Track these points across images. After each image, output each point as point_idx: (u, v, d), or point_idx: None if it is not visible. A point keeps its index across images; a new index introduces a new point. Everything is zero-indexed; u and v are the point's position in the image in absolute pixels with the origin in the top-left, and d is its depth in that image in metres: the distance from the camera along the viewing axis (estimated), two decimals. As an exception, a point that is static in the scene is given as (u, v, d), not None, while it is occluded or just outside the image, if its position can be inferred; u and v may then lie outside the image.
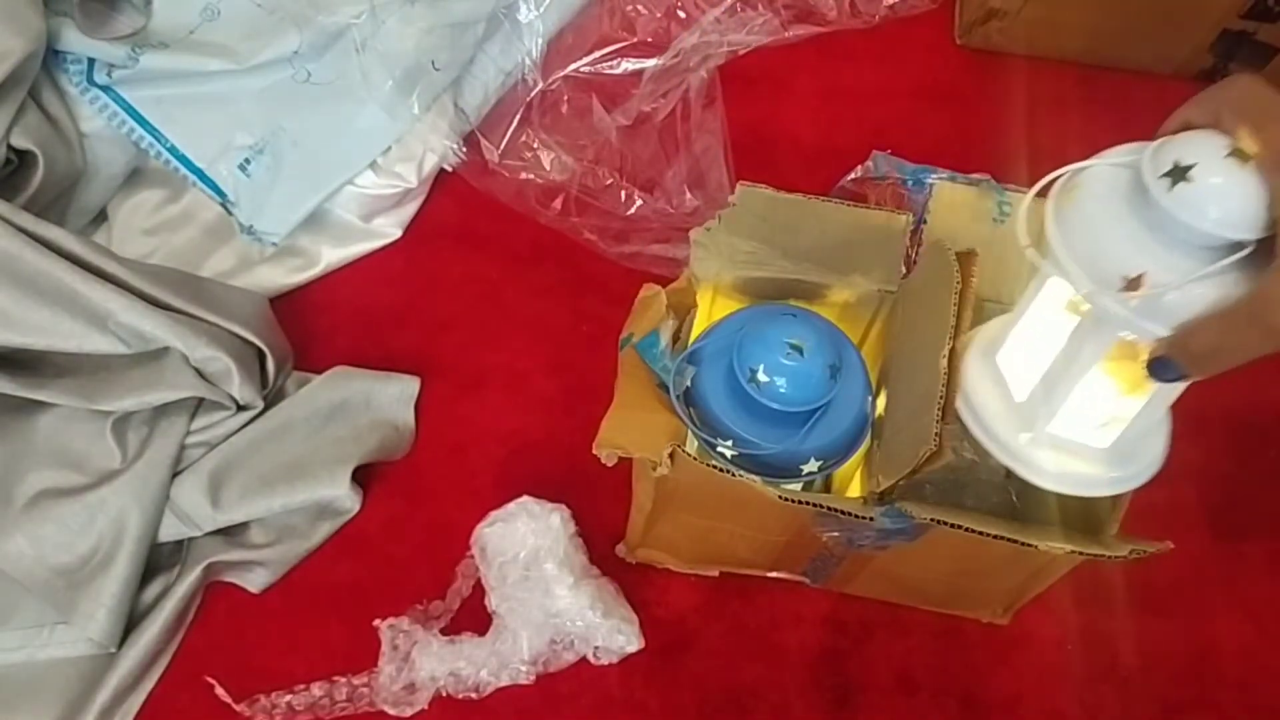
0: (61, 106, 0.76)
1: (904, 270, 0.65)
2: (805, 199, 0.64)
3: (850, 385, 0.60)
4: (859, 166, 0.82)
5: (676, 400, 0.60)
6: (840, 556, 0.65)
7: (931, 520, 0.54)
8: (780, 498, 0.55)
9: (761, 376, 0.57)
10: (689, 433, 0.60)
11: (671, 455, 0.55)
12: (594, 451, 0.55)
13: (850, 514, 0.55)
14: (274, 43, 0.78)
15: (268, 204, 0.79)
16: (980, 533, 0.53)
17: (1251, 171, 0.43)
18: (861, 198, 0.82)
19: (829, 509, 0.55)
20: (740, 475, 0.56)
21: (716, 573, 0.73)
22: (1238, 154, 0.43)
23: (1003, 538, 0.53)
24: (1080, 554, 0.53)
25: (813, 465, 0.59)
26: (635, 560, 0.72)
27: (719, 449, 0.59)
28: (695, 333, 0.65)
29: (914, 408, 0.57)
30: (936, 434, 0.53)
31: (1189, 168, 0.44)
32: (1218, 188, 0.43)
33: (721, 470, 0.55)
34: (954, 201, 0.68)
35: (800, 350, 0.56)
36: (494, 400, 0.79)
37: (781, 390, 0.56)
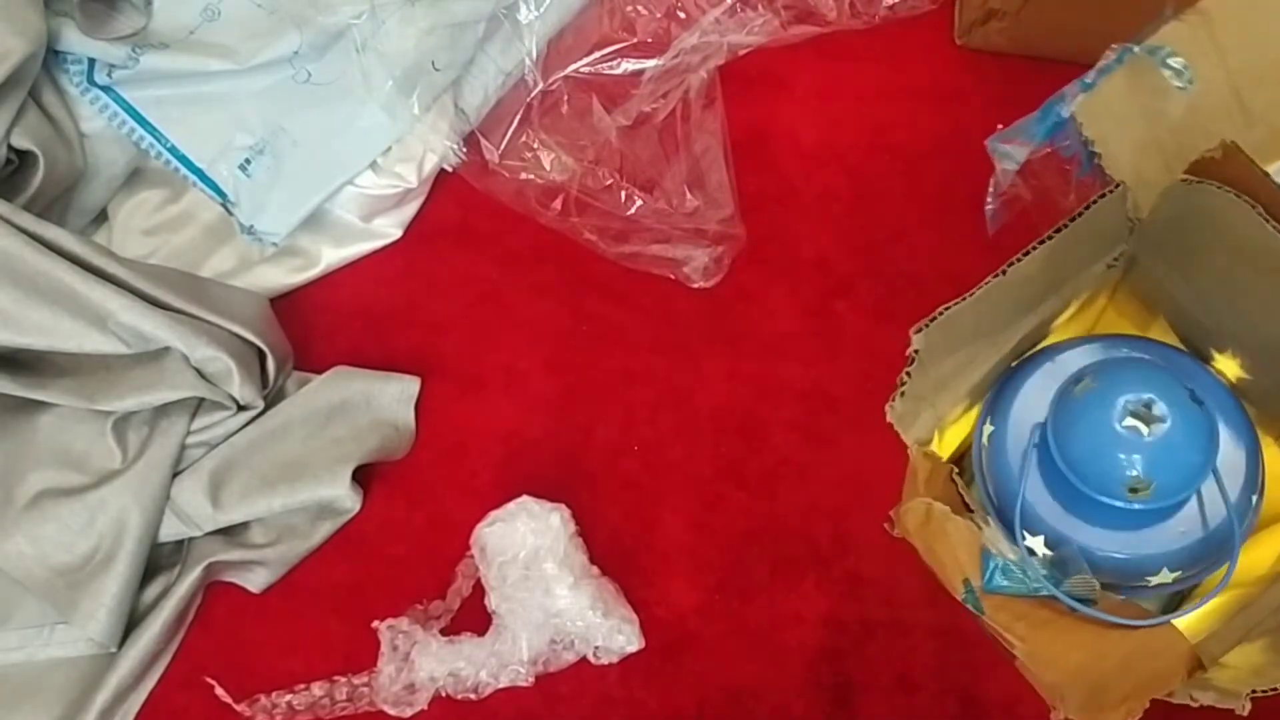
0: (62, 106, 0.76)
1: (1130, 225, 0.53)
2: (991, 283, 0.52)
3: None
4: (990, 181, 0.67)
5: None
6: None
7: None
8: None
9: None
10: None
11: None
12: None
13: None
14: (274, 43, 0.78)
15: (268, 204, 0.79)
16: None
17: None
18: (1019, 201, 0.68)
19: None
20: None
21: None
22: None
23: None
24: None
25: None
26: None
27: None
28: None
29: None
30: None
31: None
32: None
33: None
34: (1110, 103, 0.53)
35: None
36: (494, 400, 0.79)
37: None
